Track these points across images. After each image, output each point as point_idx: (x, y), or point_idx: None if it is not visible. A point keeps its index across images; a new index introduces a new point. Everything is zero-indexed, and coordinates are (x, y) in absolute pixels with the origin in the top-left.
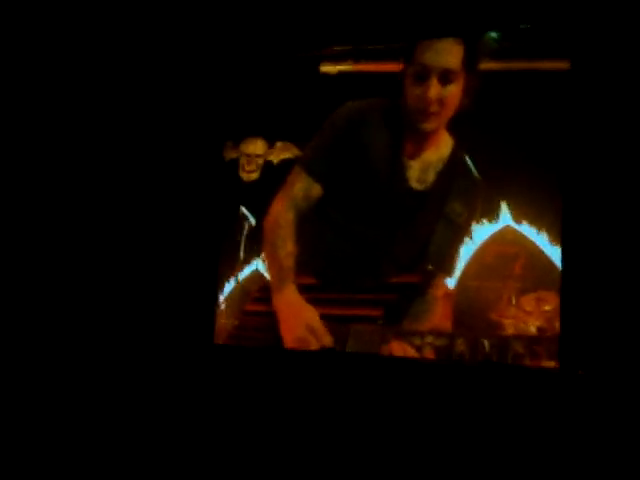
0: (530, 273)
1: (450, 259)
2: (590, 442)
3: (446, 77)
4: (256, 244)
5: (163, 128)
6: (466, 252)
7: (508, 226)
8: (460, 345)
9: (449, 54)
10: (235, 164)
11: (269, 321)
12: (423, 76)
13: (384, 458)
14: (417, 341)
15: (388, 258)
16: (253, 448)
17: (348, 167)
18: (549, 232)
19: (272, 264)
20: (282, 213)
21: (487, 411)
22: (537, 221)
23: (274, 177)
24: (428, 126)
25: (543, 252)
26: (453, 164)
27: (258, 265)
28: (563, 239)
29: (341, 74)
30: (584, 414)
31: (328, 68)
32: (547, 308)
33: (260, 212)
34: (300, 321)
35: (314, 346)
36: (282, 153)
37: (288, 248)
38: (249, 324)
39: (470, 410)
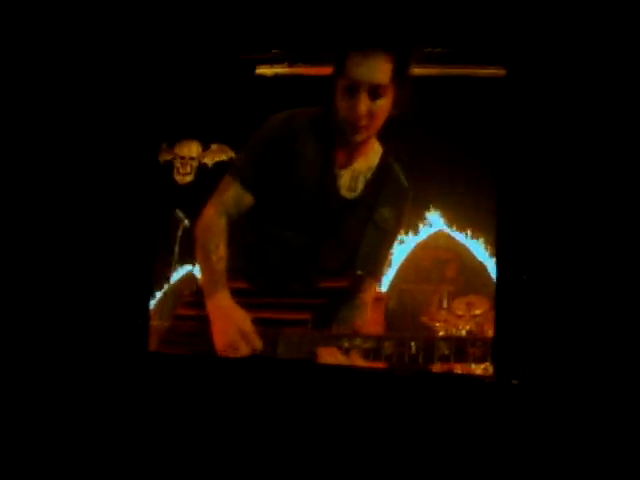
0: (462, 277)
1: (379, 264)
2: (523, 451)
3: (375, 92)
4: (190, 247)
5: (97, 130)
6: (399, 256)
7: (441, 230)
8: (388, 348)
9: (378, 70)
10: (169, 167)
11: (201, 325)
12: (353, 90)
13: (315, 465)
14: (345, 344)
15: (318, 264)
16: (189, 457)
17: (279, 176)
18: (481, 237)
19: (204, 268)
20: (213, 219)
21: (419, 420)
22: (469, 226)
23: (209, 180)
24: (358, 138)
25: (475, 257)
26: (382, 172)
27: (191, 268)
28: (498, 244)
29: (277, 77)
30: (518, 423)
31: (264, 70)
32: (477, 312)
33: (194, 215)
34: (232, 325)
35: (244, 350)
36: (217, 155)
37: (220, 253)
38: (181, 329)
39: (401, 419)
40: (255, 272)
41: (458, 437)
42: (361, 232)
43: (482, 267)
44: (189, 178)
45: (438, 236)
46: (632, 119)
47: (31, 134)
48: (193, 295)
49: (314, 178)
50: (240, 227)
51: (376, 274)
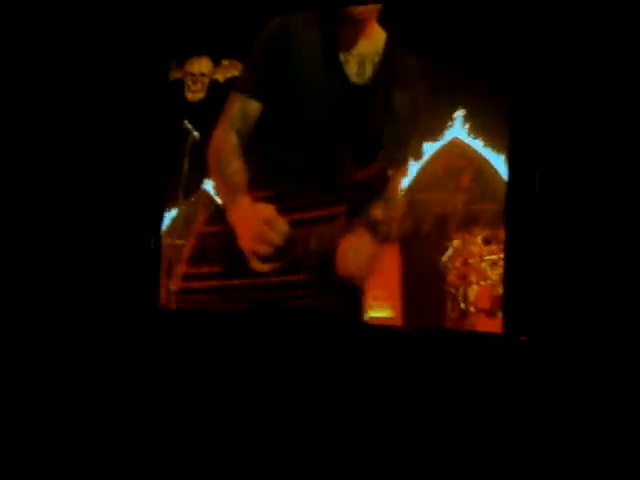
0: (477, 185)
1: (402, 155)
2: (532, 409)
3: None
4: (200, 161)
5: (106, 49)
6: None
7: (456, 138)
8: (426, 226)
9: None
10: (180, 84)
11: (226, 239)
12: None
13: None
14: (382, 228)
15: (341, 157)
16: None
17: (284, 76)
18: (496, 144)
19: (222, 185)
20: (223, 137)
21: (428, 377)
22: (484, 134)
23: (220, 96)
24: (361, 11)
25: (490, 164)
26: (389, 56)
27: (202, 186)
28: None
29: None
30: (528, 381)
31: None
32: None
33: (206, 132)
34: (255, 217)
35: (273, 238)
36: (228, 71)
37: (235, 166)
38: (207, 246)
39: (409, 375)
40: (280, 178)
41: (467, 393)
42: (379, 120)
43: (497, 174)
44: (201, 95)
45: (453, 144)
46: None
47: (42, 50)
48: (213, 213)
49: (320, 68)
50: (254, 139)
51: (401, 165)
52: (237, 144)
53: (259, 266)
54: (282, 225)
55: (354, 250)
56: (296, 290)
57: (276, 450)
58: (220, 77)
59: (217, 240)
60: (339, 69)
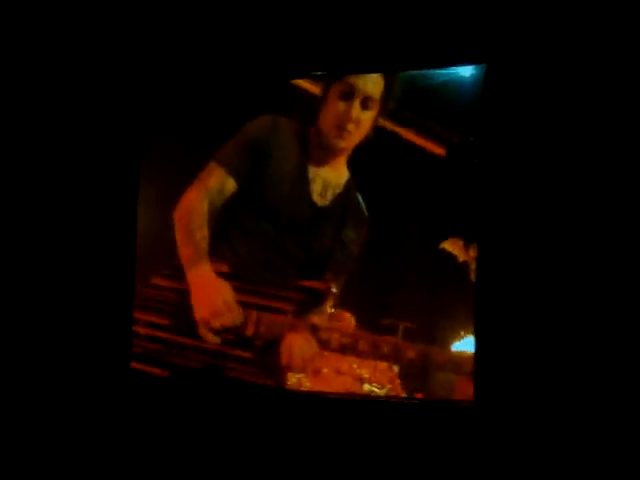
0: None
1: (341, 280)
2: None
3: (366, 103)
4: None
5: None
6: None
7: None
8: (362, 345)
9: (375, 83)
10: None
11: (178, 297)
12: (348, 95)
13: None
14: (324, 335)
15: (291, 263)
16: None
17: (259, 171)
18: None
19: (187, 244)
20: (197, 202)
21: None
22: None
23: None
24: (341, 143)
25: None
26: (348, 193)
27: None
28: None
29: None
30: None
31: None
32: None
33: None
34: (216, 293)
35: (227, 319)
36: None
37: (203, 232)
38: (156, 297)
39: (379, 445)
40: (236, 260)
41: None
42: (330, 242)
43: None
44: None
45: None
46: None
47: None
48: (171, 269)
49: (291, 175)
50: (220, 216)
51: (339, 285)
52: (207, 213)
53: (209, 336)
54: (239, 314)
55: (299, 347)
56: (240, 365)
57: None
58: None
59: (170, 295)
60: (305, 183)
